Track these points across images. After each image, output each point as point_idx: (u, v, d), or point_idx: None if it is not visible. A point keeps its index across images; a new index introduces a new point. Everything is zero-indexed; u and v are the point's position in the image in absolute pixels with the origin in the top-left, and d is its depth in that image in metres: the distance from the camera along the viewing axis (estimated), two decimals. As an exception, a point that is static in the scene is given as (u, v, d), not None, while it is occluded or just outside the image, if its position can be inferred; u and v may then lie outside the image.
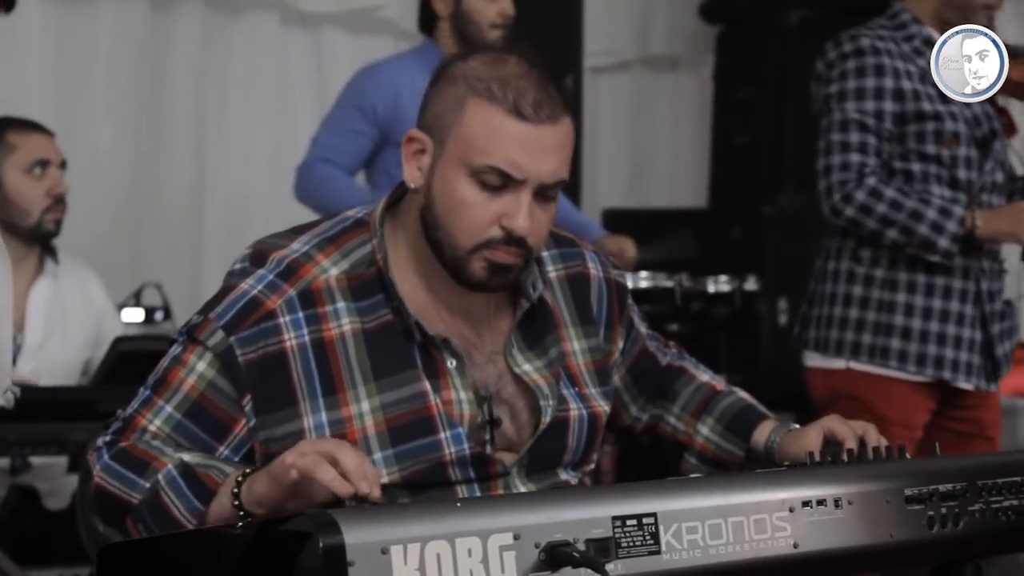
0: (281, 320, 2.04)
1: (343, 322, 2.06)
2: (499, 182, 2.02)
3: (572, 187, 4.92)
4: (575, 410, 2.18)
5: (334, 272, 2.08)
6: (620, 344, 2.32)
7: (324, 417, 2.03)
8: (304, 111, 5.37)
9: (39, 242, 3.92)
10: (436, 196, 2.06)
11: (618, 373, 2.33)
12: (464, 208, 2.04)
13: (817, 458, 2.00)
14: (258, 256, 2.10)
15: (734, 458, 2.33)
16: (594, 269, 2.28)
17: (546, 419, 2.14)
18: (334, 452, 1.78)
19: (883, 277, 3.60)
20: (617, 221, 5.49)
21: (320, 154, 4.22)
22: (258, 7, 5.31)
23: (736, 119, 5.81)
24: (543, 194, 2.05)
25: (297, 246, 2.11)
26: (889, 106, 3.54)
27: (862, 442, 2.13)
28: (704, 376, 2.42)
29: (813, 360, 3.71)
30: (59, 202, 3.90)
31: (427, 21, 4.29)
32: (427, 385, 2.07)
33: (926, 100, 3.54)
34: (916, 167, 3.56)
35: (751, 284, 4.93)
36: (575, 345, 2.22)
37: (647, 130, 6.54)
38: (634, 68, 6.48)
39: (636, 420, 2.40)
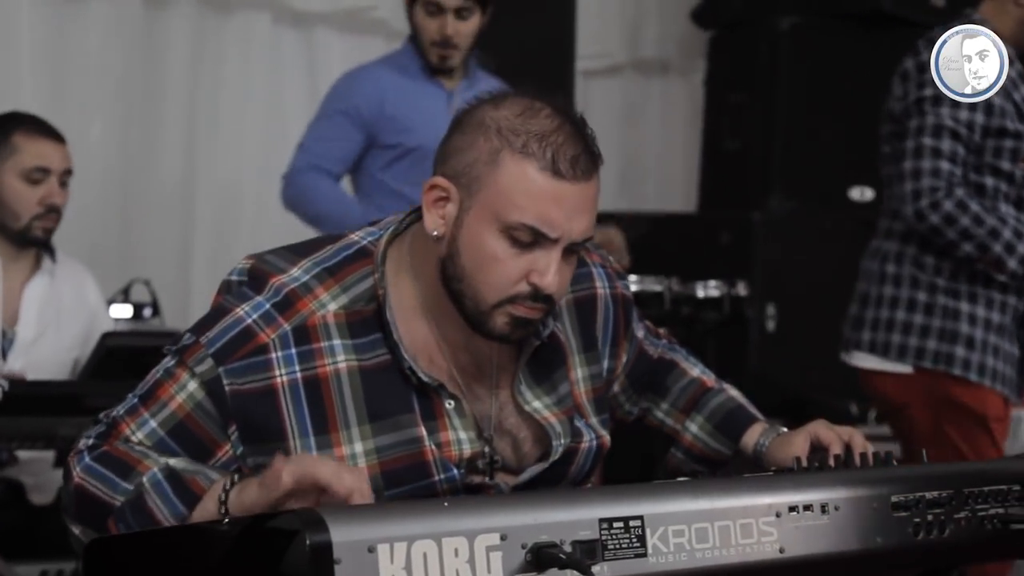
0: (273, 356, 2.00)
1: (339, 359, 2.02)
2: (531, 239, 1.98)
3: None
4: (587, 441, 2.17)
5: (332, 307, 2.04)
6: (624, 358, 2.30)
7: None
8: (295, 110, 5.36)
9: (27, 246, 3.89)
10: (462, 248, 2.01)
11: (618, 381, 2.33)
12: (494, 263, 1.99)
13: (804, 463, 2.01)
14: (257, 279, 2.06)
15: (721, 457, 2.33)
16: (601, 288, 2.25)
17: (555, 457, 2.12)
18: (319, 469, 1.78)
19: (945, 285, 3.65)
20: (607, 225, 5.49)
21: (307, 161, 4.21)
22: (250, 6, 5.30)
23: (727, 124, 5.81)
24: (571, 249, 2.03)
25: (297, 273, 2.06)
26: (980, 118, 3.57)
27: (848, 448, 2.13)
28: (695, 371, 2.41)
29: (868, 362, 3.74)
30: (52, 211, 3.84)
31: (412, 29, 4.30)
32: (423, 430, 2.04)
33: (1009, 117, 3.59)
34: (989, 182, 3.61)
35: (741, 289, 4.94)
36: (579, 373, 2.20)
37: (638, 134, 6.54)
38: (625, 72, 6.49)
39: (628, 414, 2.40)
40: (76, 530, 2.00)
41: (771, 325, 5.35)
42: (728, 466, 2.34)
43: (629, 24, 6.39)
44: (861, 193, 5.64)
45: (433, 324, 2.08)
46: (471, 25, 4.18)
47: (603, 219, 5.33)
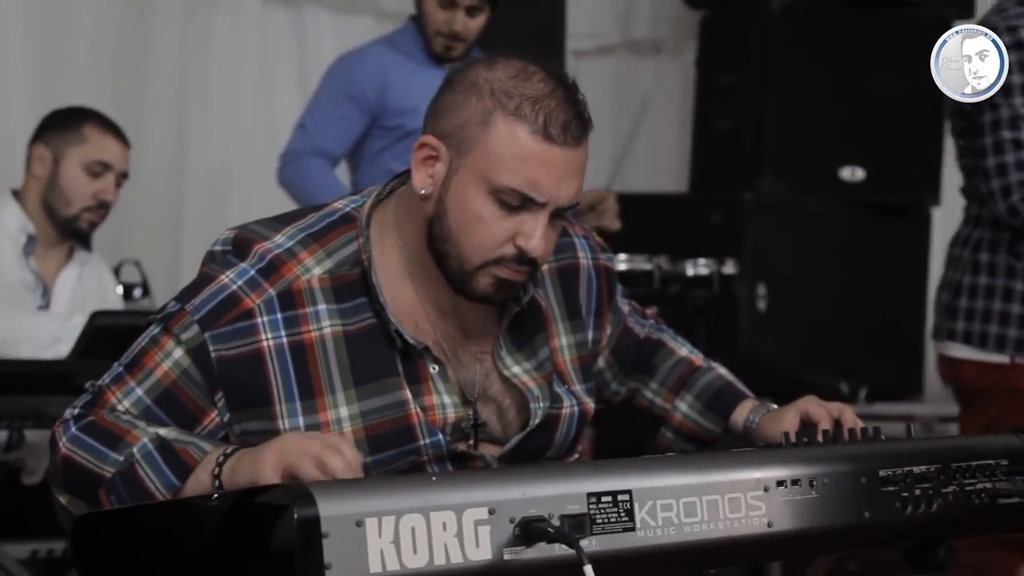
0: (259, 320, 2.00)
1: (323, 325, 2.02)
2: (518, 203, 1.99)
3: (553, 170, 4.91)
4: (567, 407, 2.16)
5: (317, 272, 2.04)
6: (608, 330, 2.30)
7: (301, 421, 1.99)
8: (286, 90, 5.36)
9: (69, 236, 3.92)
10: (449, 208, 2.01)
11: (603, 356, 2.32)
12: (479, 224, 2.00)
13: (792, 439, 2.01)
14: (241, 246, 2.06)
15: (711, 435, 2.33)
16: (584, 258, 2.25)
17: (535, 421, 2.12)
18: (323, 458, 1.78)
19: None
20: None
21: (309, 143, 4.19)
22: (241, -15, 5.30)
23: (719, 105, 5.79)
24: (558, 213, 2.03)
25: (281, 239, 2.06)
26: None
27: (838, 423, 2.14)
28: (683, 350, 2.41)
29: (962, 352, 3.70)
30: (102, 207, 3.92)
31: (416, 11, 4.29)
32: (408, 393, 2.04)
33: None
34: None
35: (729, 268, 4.93)
36: (563, 341, 2.20)
37: (629, 114, 6.54)
38: (617, 52, 6.48)
39: (615, 394, 2.40)
40: (63, 500, 2.00)
41: (762, 305, 5.35)
42: (718, 444, 2.34)
43: (621, 4, 6.38)
44: (852, 173, 5.63)
45: (418, 289, 2.08)
46: (479, 21, 4.18)
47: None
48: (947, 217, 6.49)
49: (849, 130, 5.63)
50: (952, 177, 6.41)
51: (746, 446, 2.23)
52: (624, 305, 2.36)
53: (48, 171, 3.86)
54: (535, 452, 2.13)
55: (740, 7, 5.74)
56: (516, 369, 2.14)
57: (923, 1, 5.54)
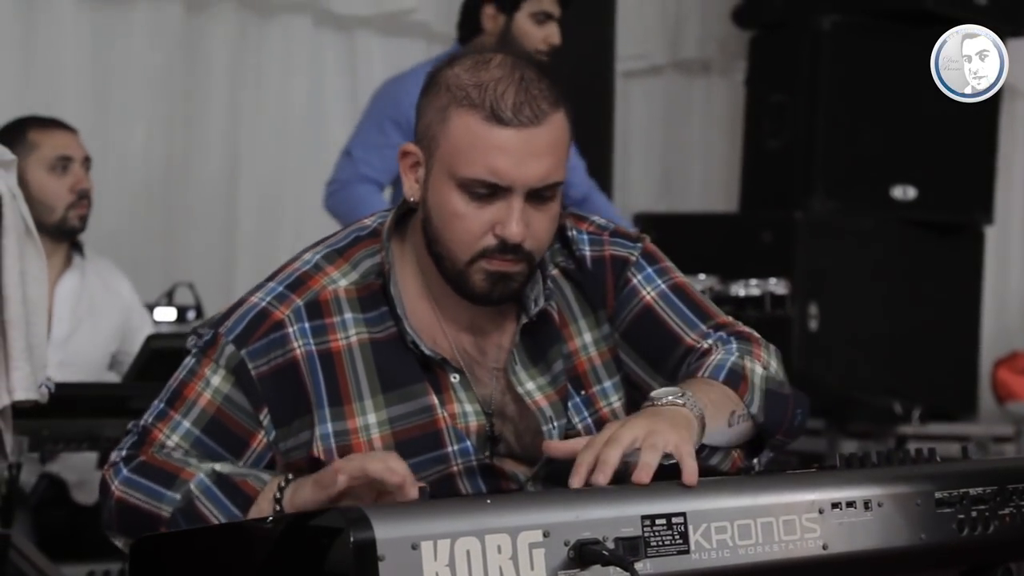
0: (289, 330, 2.02)
1: (350, 333, 2.04)
2: (487, 191, 1.98)
3: (603, 191, 4.92)
4: (580, 422, 2.11)
5: (343, 283, 2.06)
6: (619, 315, 2.17)
7: (330, 428, 2.01)
8: (337, 113, 5.38)
9: (65, 238, 3.94)
10: (432, 210, 2.03)
11: (614, 339, 2.18)
12: (456, 220, 2.00)
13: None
14: (273, 273, 2.10)
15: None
16: (586, 251, 2.17)
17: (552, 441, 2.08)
18: (384, 459, 1.80)
19: None
20: (648, 225, 5.48)
21: (355, 171, 4.19)
22: (291, 9, 5.32)
23: (768, 124, 5.79)
24: (538, 196, 2.00)
25: (308, 256, 2.10)
26: None
27: (899, 445, 2.10)
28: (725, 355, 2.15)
29: None
30: (83, 198, 3.92)
31: (469, 31, 4.27)
32: (434, 399, 2.04)
33: None
34: None
35: (780, 288, 4.92)
36: (585, 338, 2.15)
37: (679, 134, 6.53)
38: (666, 72, 6.48)
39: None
40: (119, 544, 2.01)
41: (814, 324, 5.34)
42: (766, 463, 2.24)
43: (670, 25, 6.38)
44: (903, 192, 5.61)
45: (435, 305, 2.09)
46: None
47: (647, 225, 5.36)
48: (1000, 235, 6.47)
49: (900, 148, 5.61)
50: (1004, 195, 6.40)
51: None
52: (649, 291, 2.18)
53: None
54: (566, 473, 1.96)
55: (789, 26, 5.73)
56: (530, 385, 2.11)
57: (973, 19, 5.52)
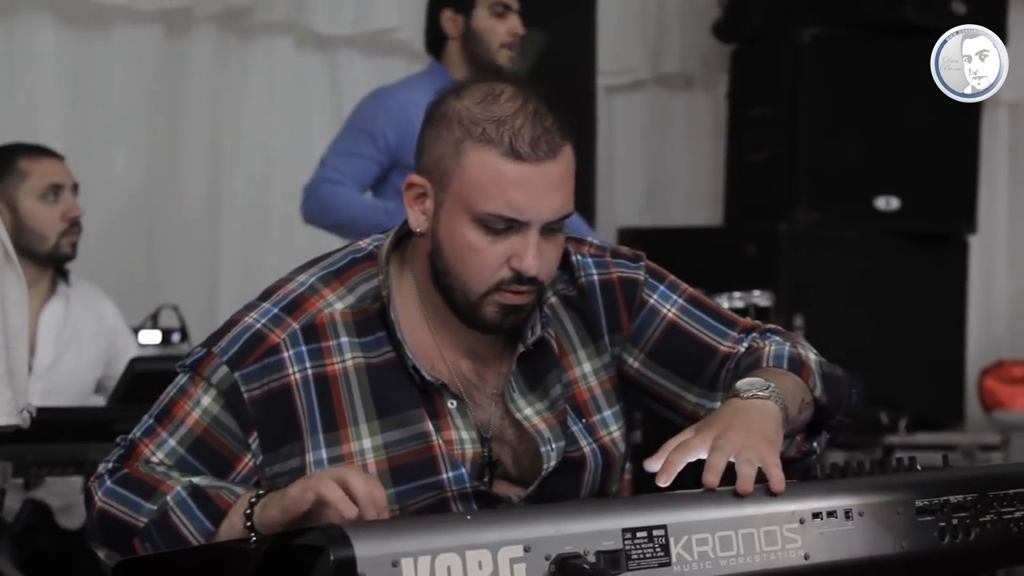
0: (285, 355, 2.02)
1: (346, 357, 2.04)
2: (504, 225, 2.00)
3: (587, 206, 4.93)
4: (586, 446, 2.13)
5: (339, 307, 2.06)
6: (633, 340, 2.17)
7: (324, 454, 2.01)
8: (320, 133, 5.37)
9: (55, 265, 3.94)
10: (443, 242, 2.04)
11: (637, 360, 2.18)
12: (472, 253, 2.01)
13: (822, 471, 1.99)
14: (266, 292, 2.10)
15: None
16: (590, 277, 2.17)
17: (549, 464, 2.09)
18: (345, 476, 1.80)
19: None
20: (633, 240, 5.49)
21: (326, 175, 4.21)
22: (273, 30, 5.32)
23: (751, 136, 5.80)
24: (549, 228, 2.03)
25: (304, 278, 2.09)
26: None
27: (886, 455, 2.11)
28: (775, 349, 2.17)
29: None
30: (74, 225, 3.94)
31: (435, 43, 4.29)
32: (430, 425, 2.04)
33: None
34: None
35: (765, 300, 4.92)
36: (584, 368, 2.17)
37: (662, 148, 6.54)
38: (648, 87, 6.49)
39: (698, 407, 2.19)
40: (102, 554, 2.01)
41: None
42: None
43: (651, 39, 6.39)
44: (887, 203, 5.62)
45: (434, 331, 2.10)
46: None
47: (631, 240, 5.36)
48: (984, 244, 6.48)
49: (883, 159, 5.62)
50: (987, 204, 6.41)
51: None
52: (670, 308, 2.19)
53: (10, 219, 3.83)
54: (563, 495, 2.08)
55: (770, 39, 5.75)
56: (528, 411, 2.12)
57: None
